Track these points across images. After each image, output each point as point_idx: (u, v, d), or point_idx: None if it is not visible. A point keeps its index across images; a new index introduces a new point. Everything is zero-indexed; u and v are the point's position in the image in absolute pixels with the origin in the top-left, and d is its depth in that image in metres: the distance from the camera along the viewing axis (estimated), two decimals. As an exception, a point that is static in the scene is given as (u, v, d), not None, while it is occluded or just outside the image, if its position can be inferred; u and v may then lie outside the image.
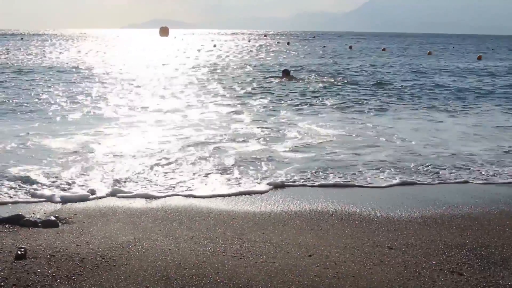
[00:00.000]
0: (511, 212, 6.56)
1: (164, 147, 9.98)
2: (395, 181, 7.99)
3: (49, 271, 4.41)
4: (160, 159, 8.98)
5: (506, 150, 10.45)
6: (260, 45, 71.43)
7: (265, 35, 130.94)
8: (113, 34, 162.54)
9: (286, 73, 23.70)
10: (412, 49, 69.03)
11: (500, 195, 7.39)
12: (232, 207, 6.61)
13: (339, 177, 8.14)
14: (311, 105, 16.74)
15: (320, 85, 22.14)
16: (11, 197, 6.78)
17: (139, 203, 6.70)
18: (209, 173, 8.18)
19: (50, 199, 6.70)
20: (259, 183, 7.70)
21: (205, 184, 7.62)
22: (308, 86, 21.53)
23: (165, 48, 58.97)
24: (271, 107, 16.00)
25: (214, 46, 69.47)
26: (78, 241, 5.19)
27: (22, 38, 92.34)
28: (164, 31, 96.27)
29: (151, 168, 8.40)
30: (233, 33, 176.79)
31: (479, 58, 47.22)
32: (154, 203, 6.71)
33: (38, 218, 5.84)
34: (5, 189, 7.03)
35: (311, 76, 25.53)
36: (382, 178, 8.15)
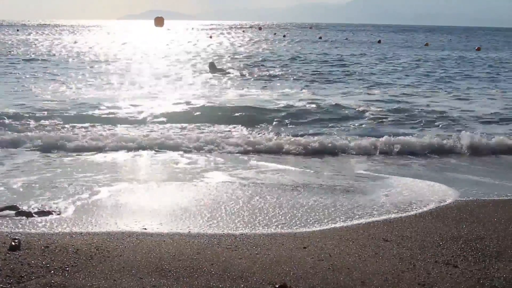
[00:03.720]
0: (506, 205, 6.57)
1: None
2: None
3: (43, 262, 4.39)
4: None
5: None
6: (251, 38, 71.06)
7: (260, 28, 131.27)
8: (115, 25, 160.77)
9: (211, 65, 25.18)
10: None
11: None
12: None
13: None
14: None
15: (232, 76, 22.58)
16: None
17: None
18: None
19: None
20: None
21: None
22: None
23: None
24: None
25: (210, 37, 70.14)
26: (72, 232, 5.18)
27: (18, 30, 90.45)
28: (159, 21, 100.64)
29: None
30: (232, 26, 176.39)
31: (478, 50, 47.24)
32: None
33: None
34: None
35: (241, 70, 25.44)
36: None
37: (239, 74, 23.04)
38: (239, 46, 46.81)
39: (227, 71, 24.38)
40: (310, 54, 36.21)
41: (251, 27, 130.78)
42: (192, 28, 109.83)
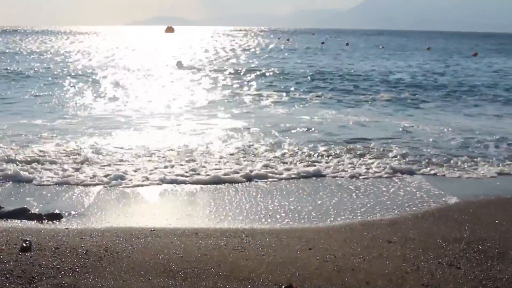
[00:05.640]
0: (507, 206, 6.63)
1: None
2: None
3: (54, 263, 4.48)
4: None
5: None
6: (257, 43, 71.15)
7: (261, 31, 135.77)
8: (129, 31, 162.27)
9: (178, 63, 28.78)
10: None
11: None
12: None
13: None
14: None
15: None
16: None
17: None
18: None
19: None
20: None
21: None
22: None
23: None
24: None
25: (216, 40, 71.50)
26: (81, 233, 5.27)
27: (27, 34, 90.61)
28: (169, 30, 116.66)
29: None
30: (241, 30, 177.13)
31: (475, 55, 47.18)
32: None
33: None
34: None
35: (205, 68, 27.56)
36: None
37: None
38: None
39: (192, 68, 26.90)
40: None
41: (273, 31, 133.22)
42: (204, 34, 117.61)
